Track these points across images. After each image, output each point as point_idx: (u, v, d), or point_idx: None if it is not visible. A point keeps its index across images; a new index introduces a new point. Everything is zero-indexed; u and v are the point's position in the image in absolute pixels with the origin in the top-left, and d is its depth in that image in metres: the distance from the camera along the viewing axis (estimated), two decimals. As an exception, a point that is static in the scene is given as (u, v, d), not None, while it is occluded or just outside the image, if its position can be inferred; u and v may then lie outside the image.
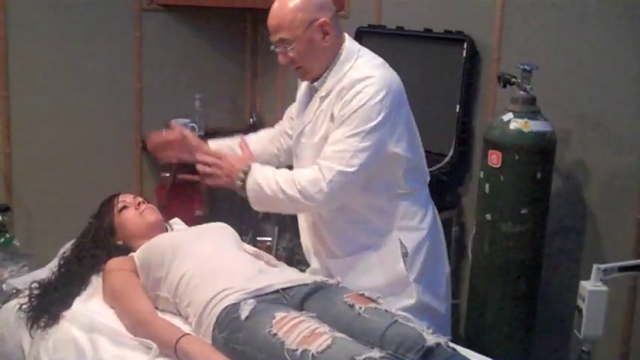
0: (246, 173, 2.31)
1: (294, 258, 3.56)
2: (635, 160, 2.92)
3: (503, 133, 2.87)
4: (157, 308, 2.32)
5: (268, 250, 3.44)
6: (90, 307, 2.37)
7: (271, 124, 4.48)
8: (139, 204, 2.64)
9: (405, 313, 2.12)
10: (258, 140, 2.72)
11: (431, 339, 1.95)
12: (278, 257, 3.27)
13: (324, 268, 2.53)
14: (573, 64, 3.08)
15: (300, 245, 3.51)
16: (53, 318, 2.31)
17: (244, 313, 2.03)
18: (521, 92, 2.90)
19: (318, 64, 2.34)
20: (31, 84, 3.80)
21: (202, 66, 4.41)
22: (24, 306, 2.40)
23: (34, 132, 3.83)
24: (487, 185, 2.91)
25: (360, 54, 2.36)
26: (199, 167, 2.41)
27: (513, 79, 2.94)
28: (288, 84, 4.33)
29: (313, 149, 2.36)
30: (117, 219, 2.61)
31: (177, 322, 2.23)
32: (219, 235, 2.52)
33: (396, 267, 2.40)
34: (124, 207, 2.63)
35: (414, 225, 2.44)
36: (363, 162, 2.23)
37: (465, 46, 3.37)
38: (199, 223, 2.75)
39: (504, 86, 2.99)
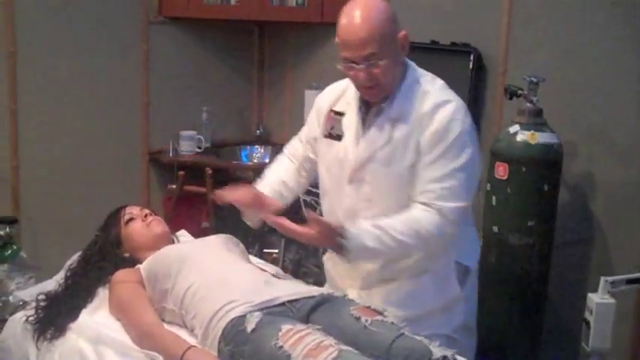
0: (343, 237, 2.09)
1: (301, 270, 3.55)
2: (642, 172, 2.92)
3: (510, 145, 2.87)
4: (163, 320, 2.31)
5: (275, 262, 3.43)
6: (96, 319, 2.37)
7: (278, 137, 4.56)
8: (145, 216, 2.65)
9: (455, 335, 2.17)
10: (288, 173, 2.57)
11: (437, 352, 1.94)
12: (284, 269, 3.26)
13: (365, 295, 2.36)
14: (580, 76, 3.08)
15: (306, 257, 3.53)
16: (60, 330, 2.32)
17: (250, 326, 2.02)
18: (528, 104, 2.91)
19: (393, 81, 2.20)
20: (39, 97, 3.82)
21: (209, 79, 4.42)
22: (30, 318, 2.40)
23: (41, 144, 3.85)
24: (494, 197, 2.91)
25: (419, 71, 2.27)
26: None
27: (520, 91, 2.94)
28: (295, 97, 4.34)
29: (395, 179, 2.21)
30: (123, 231, 2.61)
31: (183, 334, 2.22)
32: (225, 247, 2.51)
33: (451, 288, 2.36)
34: (131, 219, 2.63)
35: (470, 245, 2.42)
36: (473, 191, 2.20)
37: (472, 58, 3.37)
38: (206, 235, 2.75)
39: (511, 98, 2.99)
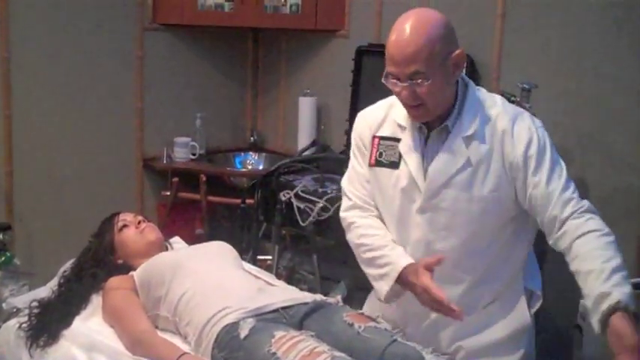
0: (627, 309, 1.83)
1: (295, 277, 3.55)
2: (635, 179, 2.92)
3: (503, 151, 2.86)
4: (156, 327, 2.32)
5: (269, 268, 3.43)
6: (90, 326, 2.37)
7: (272, 144, 4.56)
8: (139, 222, 2.65)
9: None
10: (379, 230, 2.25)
11: (431, 358, 1.95)
12: (278, 276, 3.25)
13: (432, 334, 2.19)
14: (573, 82, 3.09)
15: (300, 264, 3.52)
16: (53, 337, 2.31)
17: (243, 332, 2.03)
18: (521, 111, 2.91)
19: (443, 101, 2.04)
20: (33, 103, 3.81)
21: (204, 85, 4.42)
22: (24, 325, 2.39)
23: (35, 150, 3.84)
24: (487, 204, 2.91)
25: (471, 83, 2.14)
26: None
27: (513, 98, 2.94)
28: (289, 104, 4.35)
29: (478, 203, 2.05)
30: (117, 238, 2.61)
31: (176, 341, 2.23)
32: (218, 254, 2.52)
33: (521, 316, 2.22)
34: (124, 226, 2.63)
35: (532, 266, 2.32)
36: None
37: (465, 64, 3.36)
38: (200, 242, 2.75)
39: (504, 105, 2.99)
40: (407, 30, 1.96)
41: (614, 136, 2.98)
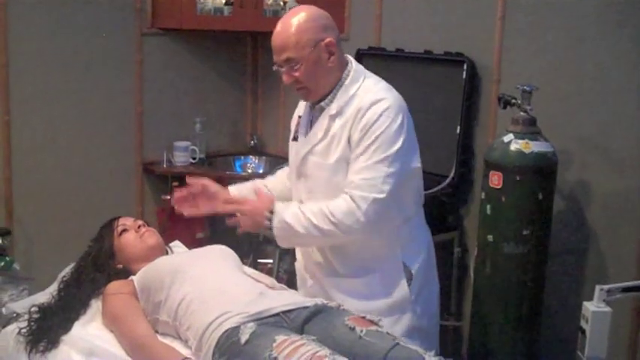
0: (271, 213, 2.30)
1: (295, 280, 3.54)
2: (636, 181, 2.91)
3: (504, 154, 2.86)
4: (156, 332, 2.31)
5: (269, 272, 3.42)
6: (89, 331, 2.36)
7: (272, 147, 4.56)
8: (138, 227, 2.64)
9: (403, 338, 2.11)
10: (277, 179, 2.71)
11: (432, 361, 1.95)
12: (279, 280, 3.25)
13: (319, 287, 2.50)
14: (574, 84, 3.08)
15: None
16: (52, 342, 2.30)
17: (244, 337, 2.02)
18: (522, 113, 2.90)
19: (323, 84, 2.34)
20: (32, 108, 3.81)
21: (203, 89, 4.42)
22: (23, 330, 2.38)
23: (34, 156, 3.84)
24: (488, 206, 2.90)
25: (367, 75, 2.39)
26: (227, 220, 2.38)
27: (513, 100, 2.94)
28: (289, 107, 4.31)
29: (329, 170, 2.35)
30: (117, 242, 2.60)
31: (177, 345, 2.22)
32: (219, 258, 2.51)
33: (399, 290, 2.40)
34: (124, 230, 2.62)
35: (417, 248, 2.46)
36: (393, 186, 2.25)
37: (465, 67, 3.37)
38: (200, 246, 2.74)
39: (505, 107, 2.99)
40: (281, 24, 2.31)
41: (614, 138, 2.98)
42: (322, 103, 2.37)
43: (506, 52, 3.31)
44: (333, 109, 2.34)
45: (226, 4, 4.14)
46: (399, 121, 2.27)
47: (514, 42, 3.28)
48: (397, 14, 3.72)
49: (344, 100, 2.32)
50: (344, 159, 2.31)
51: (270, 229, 2.30)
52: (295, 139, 2.51)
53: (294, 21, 2.28)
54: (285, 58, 2.29)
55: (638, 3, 2.88)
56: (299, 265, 2.63)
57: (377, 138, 2.24)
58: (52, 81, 3.85)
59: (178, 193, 2.54)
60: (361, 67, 2.42)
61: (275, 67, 2.35)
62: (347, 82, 2.34)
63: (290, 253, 3.59)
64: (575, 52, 3.07)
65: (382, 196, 2.23)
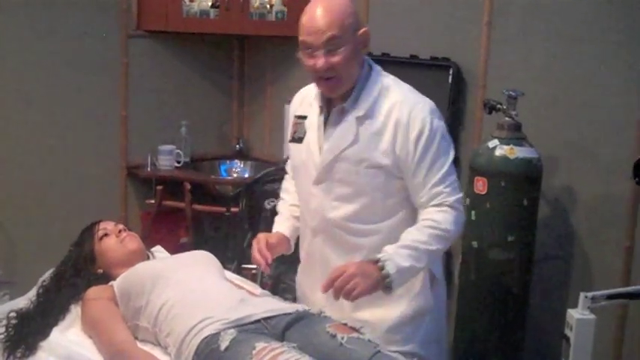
0: (382, 268, 2.08)
1: (280, 286, 3.51)
2: (622, 188, 2.90)
3: (489, 159, 2.85)
4: (136, 338, 2.28)
5: (253, 277, 3.39)
6: (68, 337, 2.32)
7: (258, 151, 4.54)
8: (119, 231, 2.61)
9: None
10: (293, 195, 2.54)
11: (414, 369, 1.92)
12: (263, 285, 3.21)
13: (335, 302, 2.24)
14: (560, 90, 3.07)
15: (285, 273, 3.48)
16: (30, 349, 2.26)
17: (224, 344, 1.99)
18: (507, 118, 2.89)
19: (352, 77, 2.21)
20: (15, 110, 3.78)
21: (189, 92, 4.40)
22: (0, 336, 2.34)
23: (17, 158, 3.80)
24: (473, 212, 2.89)
25: (381, 72, 2.30)
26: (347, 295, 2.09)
27: (499, 106, 2.93)
28: (276, 111, 4.32)
29: (365, 176, 2.22)
30: (97, 247, 2.57)
31: (157, 352, 2.19)
32: (200, 264, 2.48)
33: (422, 296, 2.32)
34: (105, 235, 2.59)
35: None
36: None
37: (451, 72, 3.36)
38: (185, 251, 2.72)
39: (490, 112, 2.98)
40: (321, 4, 2.15)
41: (600, 143, 2.97)
42: (345, 104, 2.23)
43: (492, 57, 3.30)
44: (360, 110, 2.21)
45: (212, 6, 4.13)
46: (442, 122, 2.24)
47: (500, 47, 3.27)
48: (383, 19, 3.71)
49: (369, 101, 2.21)
50: (382, 167, 2.20)
51: (388, 283, 2.08)
52: (298, 140, 2.36)
53: (338, 2, 2.16)
54: (328, 37, 2.12)
55: (625, 9, 2.87)
56: (305, 278, 2.50)
57: (438, 144, 2.19)
58: (36, 83, 3.82)
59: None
60: (374, 63, 2.32)
61: (304, 52, 2.19)
62: (370, 80, 2.24)
63: (274, 259, 3.57)
64: (561, 57, 3.07)
65: (462, 192, 2.26)
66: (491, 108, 2.96)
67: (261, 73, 4.49)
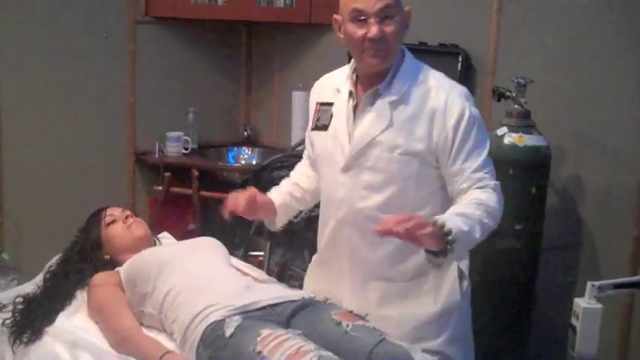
0: (443, 225, 1.91)
1: (286, 273, 3.51)
2: (630, 177, 2.89)
3: (498, 147, 2.83)
4: (142, 324, 2.29)
5: (260, 265, 3.40)
6: (74, 322, 2.34)
7: (265, 138, 4.53)
8: (126, 217, 2.61)
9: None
10: (304, 176, 2.49)
11: (419, 357, 1.92)
12: (270, 272, 3.22)
13: (360, 290, 2.25)
14: (569, 78, 3.05)
15: (292, 260, 3.49)
16: (36, 334, 2.27)
17: (229, 330, 2.00)
18: (516, 106, 2.88)
19: (397, 53, 2.15)
20: (23, 98, 3.77)
21: (196, 79, 4.38)
22: (7, 321, 2.36)
23: (25, 145, 3.81)
24: (481, 200, 2.88)
25: (414, 59, 2.24)
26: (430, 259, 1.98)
27: (508, 93, 2.91)
28: (283, 98, 4.31)
29: (399, 163, 2.13)
30: (104, 233, 2.57)
31: (162, 339, 2.20)
32: (206, 250, 2.48)
33: (452, 292, 2.25)
34: (112, 221, 2.60)
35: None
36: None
37: (460, 59, 3.33)
38: (192, 237, 2.72)
39: (499, 100, 2.96)
40: None
41: (609, 132, 2.95)
42: (380, 86, 2.15)
43: (501, 44, 3.28)
44: (393, 95, 2.14)
45: (221, -7, 4.12)
46: (473, 101, 2.19)
47: (510, 34, 3.25)
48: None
49: (402, 85, 2.14)
50: (418, 155, 2.12)
51: (449, 242, 1.91)
52: (322, 127, 2.27)
53: None
54: (383, 5, 2.06)
55: (637, -4, 2.85)
56: (324, 270, 2.39)
57: (477, 131, 2.12)
58: (43, 70, 3.82)
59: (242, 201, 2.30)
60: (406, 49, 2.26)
61: (354, 22, 2.10)
62: (405, 64, 2.18)
63: (281, 246, 3.57)
64: (571, 46, 3.04)
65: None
66: (500, 95, 2.94)
67: (269, 60, 4.47)
